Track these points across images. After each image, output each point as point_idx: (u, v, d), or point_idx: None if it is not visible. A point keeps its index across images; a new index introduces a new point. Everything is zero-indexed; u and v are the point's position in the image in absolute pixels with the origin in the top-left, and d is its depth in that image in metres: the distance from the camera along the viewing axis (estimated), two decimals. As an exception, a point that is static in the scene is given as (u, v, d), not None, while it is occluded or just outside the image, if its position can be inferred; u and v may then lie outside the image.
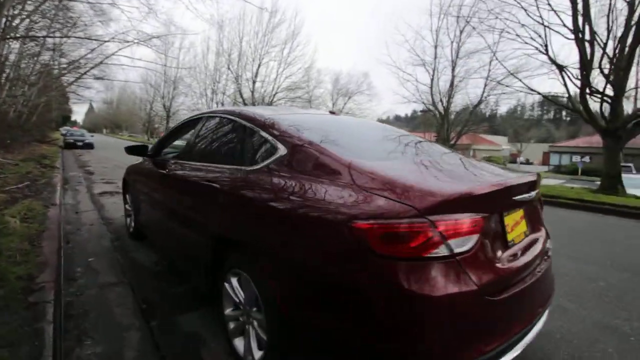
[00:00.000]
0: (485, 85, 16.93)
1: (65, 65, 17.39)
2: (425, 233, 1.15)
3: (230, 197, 1.77)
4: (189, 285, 2.66)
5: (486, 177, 1.58)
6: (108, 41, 14.91)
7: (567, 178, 22.71)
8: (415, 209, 1.16)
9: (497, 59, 10.67)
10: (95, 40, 13.17)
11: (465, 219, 1.22)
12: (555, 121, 74.30)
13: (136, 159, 3.58)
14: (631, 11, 8.16)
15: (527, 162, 41.61)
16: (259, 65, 25.25)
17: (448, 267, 1.17)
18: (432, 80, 17.60)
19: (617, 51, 8.23)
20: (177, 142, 3.33)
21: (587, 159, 29.51)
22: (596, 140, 26.03)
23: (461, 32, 16.97)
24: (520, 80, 9.94)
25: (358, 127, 2.24)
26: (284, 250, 1.44)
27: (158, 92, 38.46)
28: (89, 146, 21.24)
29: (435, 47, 17.37)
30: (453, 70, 17.36)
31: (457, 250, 1.19)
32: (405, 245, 1.15)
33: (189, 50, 28.10)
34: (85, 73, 19.86)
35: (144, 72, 31.63)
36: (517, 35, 9.35)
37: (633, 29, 7.58)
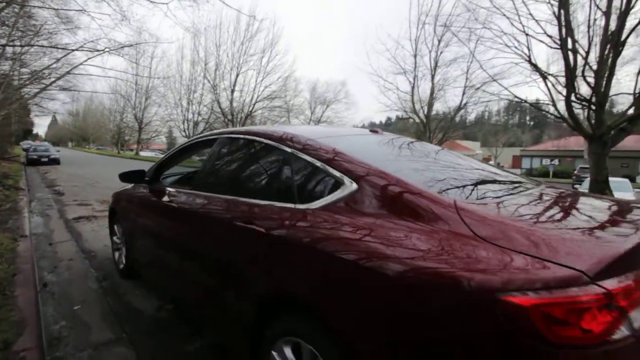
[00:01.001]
0: (464, 93, 17.33)
1: (27, 76, 16.22)
2: (607, 306, 0.84)
3: (285, 245, 1.39)
4: (207, 339, 2.23)
5: (614, 215, 1.31)
6: (75, 50, 14.00)
7: (542, 180, 23.57)
8: (585, 274, 0.85)
9: (481, 66, 10.83)
10: (62, 49, 12.28)
11: (635, 280, 0.93)
12: (521, 126, 77.93)
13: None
14: (607, 21, 8.48)
15: (499, 166, 43.12)
16: (237, 75, 24.72)
17: (633, 352, 0.87)
18: (412, 88, 17.80)
19: (597, 60, 8.51)
20: (172, 167, 2.92)
21: (556, 161, 30.95)
22: (563, 144, 27.39)
23: (439, 41, 17.34)
24: (506, 88, 10.14)
25: (420, 151, 1.90)
26: (369, 317, 1.09)
27: (129, 102, 36.88)
28: (55, 162, 19.78)
29: (415, 56, 17.63)
30: (432, 78, 17.65)
31: (637, 325, 0.89)
32: (584, 327, 0.83)
33: (161, 59, 27.12)
34: (50, 84, 18.64)
35: (114, 82, 30.25)
36: (506, 45, 9.52)
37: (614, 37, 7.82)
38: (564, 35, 8.08)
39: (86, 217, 5.82)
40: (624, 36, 7.57)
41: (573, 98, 8.28)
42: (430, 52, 17.62)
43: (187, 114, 29.07)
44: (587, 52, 8.36)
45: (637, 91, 8.22)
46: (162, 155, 2.82)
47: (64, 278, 3.20)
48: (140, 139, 40.55)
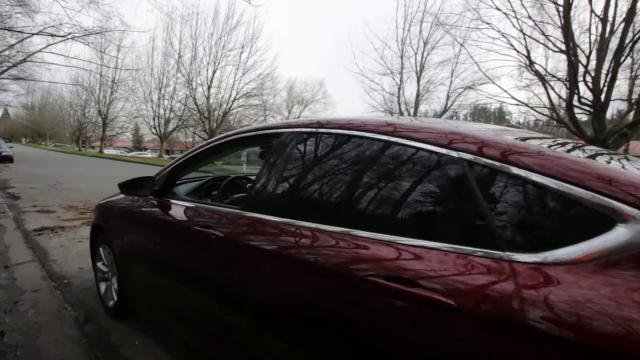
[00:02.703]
0: (448, 97, 17.36)
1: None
2: None
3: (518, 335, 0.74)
4: None
5: None
6: (34, 34, 12.48)
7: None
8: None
9: (480, 68, 10.64)
10: (18, 32, 10.78)
11: None
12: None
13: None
14: (604, 27, 8.50)
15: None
16: (215, 70, 23.48)
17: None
18: (399, 89, 17.58)
19: (595, 66, 8.50)
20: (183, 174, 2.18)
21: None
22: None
23: (425, 43, 17.23)
24: (505, 91, 10.00)
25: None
26: None
27: (92, 95, 34.18)
28: (8, 159, 17.69)
29: (402, 57, 17.42)
30: (418, 81, 17.53)
31: None
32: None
33: (130, 50, 25.21)
34: (1, 73, 16.75)
35: (75, 73, 27.84)
36: (512, 47, 9.33)
37: (616, 43, 7.80)
38: (568, 40, 7.97)
39: (50, 228, 4.81)
40: (627, 41, 7.54)
41: (575, 102, 8.23)
42: (415, 54, 17.50)
43: (159, 109, 27.33)
44: (588, 58, 8.32)
45: (633, 97, 8.28)
46: (177, 158, 2.06)
47: (30, 321, 2.35)
48: (104, 136, 37.80)
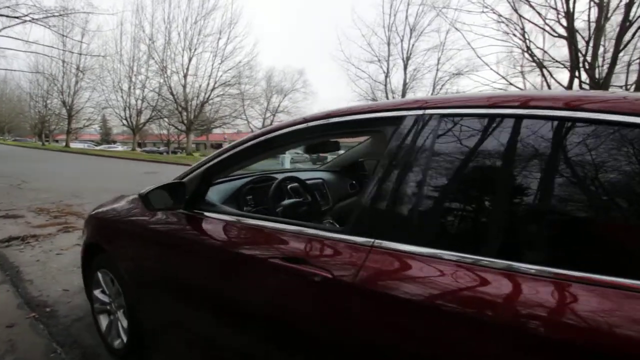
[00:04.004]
0: (435, 84, 17.22)
1: None
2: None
3: None
4: None
5: None
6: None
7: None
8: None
9: (477, 55, 10.40)
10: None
11: None
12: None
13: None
14: (600, 13, 8.42)
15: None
16: (191, 57, 22.17)
17: None
18: (386, 77, 17.25)
19: (592, 51, 8.44)
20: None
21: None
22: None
23: (412, 30, 16.91)
24: (503, 77, 9.81)
25: None
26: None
27: (55, 85, 31.58)
28: (-40, 155, 15.96)
29: (388, 44, 17.04)
30: (405, 68, 17.24)
31: None
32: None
33: (96, 35, 23.20)
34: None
35: (35, 60, 25.54)
36: (505, 33, 9.10)
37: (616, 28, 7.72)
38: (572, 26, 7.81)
39: (20, 237, 4.06)
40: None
41: (576, 88, 8.16)
42: (401, 40, 17.16)
43: (129, 99, 25.66)
44: (587, 43, 8.23)
45: (628, 83, 8.30)
46: (211, 155, 1.51)
47: (6, 375, 1.77)
48: (69, 129, 35.23)
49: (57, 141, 47.42)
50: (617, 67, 7.91)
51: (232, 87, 24.60)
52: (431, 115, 0.98)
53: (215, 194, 1.70)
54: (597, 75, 8.20)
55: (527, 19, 8.68)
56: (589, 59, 8.37)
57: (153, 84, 24.13)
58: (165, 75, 22.32)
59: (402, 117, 1.03)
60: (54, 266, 3.20)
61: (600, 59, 8.19)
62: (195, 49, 22.08)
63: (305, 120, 1.28)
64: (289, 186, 2.02)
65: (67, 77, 30.55)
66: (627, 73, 8.33)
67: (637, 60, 7.81)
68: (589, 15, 8.10)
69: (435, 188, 0.93)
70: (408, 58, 16.91)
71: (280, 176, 2.11)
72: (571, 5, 7.94)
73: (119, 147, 40.81)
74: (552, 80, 8.87)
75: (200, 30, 21.87)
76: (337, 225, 2.17)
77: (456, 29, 11.46)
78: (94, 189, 7.78)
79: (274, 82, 35.81)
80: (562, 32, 8.40)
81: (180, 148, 42.31)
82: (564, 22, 8.05)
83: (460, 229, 0.88)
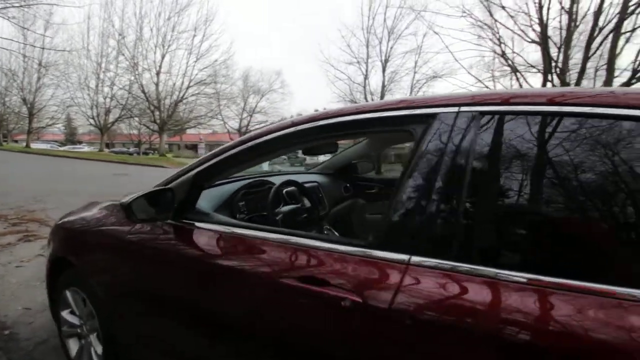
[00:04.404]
0: (412, 87, 17.51)
1: None
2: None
3: None
4: None
5: None
6: None
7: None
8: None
9: (455, 59, 10.62)
10: None
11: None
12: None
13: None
14: (570, 20, 8.80)
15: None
16: (165, 54, 21.36)
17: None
18: (365, 79, 17.36)
19: (563, 57, 8.80)
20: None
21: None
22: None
23: (390, 33, 17.11)
24: (480, 80, 10.06)
25: None
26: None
27: (14, 81, 29.46)
28: None
29: (367, 46, 17.16)
30: (384, 70, 17.43)
31: None
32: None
33: (60, 28, 21.80)
34: None
35: (-10, 55, 23.70)
36: (479, 36, 9.32)
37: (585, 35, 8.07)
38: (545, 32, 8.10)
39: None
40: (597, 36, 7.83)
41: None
42: (380, 43, 17.33)
43: (97, 97, 24.37)
44: (559, 49, 8.57)
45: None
46: (203, 158, 1.32)
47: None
48: (30, 128, 32.98)
49: (16, 141, 44.26)
50: (586, 72, 8.34)
51: (207, 86, 23.96)
52: (480, 112, 0.85)
53: (205, 200, 1.51)
54: (567, 80, 8.56)
55: (502, 24, 8.98)
56: (560, 64, 8.72)
57: (123, 81, 23.06)
58: (136, 73, 21.39)
59: (437, 115, 0.91)
60: (13, 281, 2.86)
61: (570, 64, 8.54)
62: (169, 46, 21.33)
63: (313, 119, 1.12)
64: (284, 190, 1.86)
65: (28, 72, 28.53)
66: (595, 78, 8.77)
67: (604, 66, 8.24)
68: (560, 22, 8.48)
69: (484, 194, 0.81)
70: (387, 60, 17.12)
71: (275, 180, 1.94)
72: (544, 13, 8.28)
73: (85, 148, 38.72)
74: (525, 84, 9.19)
75: (174, 27, 21.14)
76: (336, 233, 2.03)
77: (435, 32, 11.68)
78: (58, 192, 7.22)
79: (251, 82, 35.18)
80: (535, 37, 8.73)
81: (152, 149, 40.74)
82: (537, 27, 8.40)
83: (525, 244, 0.76)
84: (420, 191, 0.85)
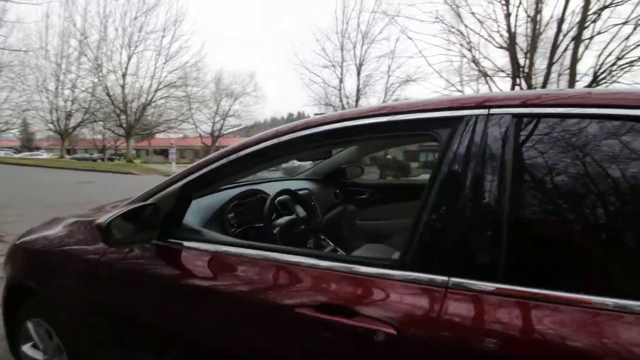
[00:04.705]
0: (386, 91, 17.81)
1: None
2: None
3: None
4: None
5: None
6: None
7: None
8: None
9: (428, 63, 10.85)
10: None
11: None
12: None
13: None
14: (534, 28, 9.26)
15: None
16: (131, 55, 20.45)
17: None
18: (340, 82, 17.45)
19: (529, 62, 9.23)
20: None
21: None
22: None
23: (363, 37, 17.32)
24: (453, 85, 10.34)
25: None
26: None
27: (-39, 83, 27.11)
28: None
29: (342, 49, 17.28)
30: (359, 74, 17.61)
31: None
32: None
33: (15, 27, 20.25)
34: None
35: None
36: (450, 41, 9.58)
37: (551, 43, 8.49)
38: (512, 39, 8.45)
39: None
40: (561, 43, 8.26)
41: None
42: (354, 47, 17.51)
43: (57, 100, 22.92)
44: (526, 55, 8.96)
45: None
46: (193, 166, 1.16)
47: None
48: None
49: (-37, 149, 40.79)
50: (551, 76, 8.80)
51: (178, 89, 23.16)
52: (526, 114, 0.76)
53: (192, 215, 1.34)
54: (534, 84, 8.98)
55: (472, 30, 9.30)
56: (526, 69, 9.14)
57: (86, 83, 21.80)
58: (101, 74, 20.29)
59: (463, 118, 0.82)
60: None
61: (536, 69, 8.98)
62: (136, 47, 20.43)
63: (319, 124, 1.00)
64: (276, 200, 1.72)
65: (-24, 74, 26.39)
66: (558, 82, 9.26)
67: (567, 71, 8.73)
68: (526, 29, 8.90)
69: (530, 205, 0.72)
70: (361, 64, 17.31)
71: (264, 187, 1.80)
72: (512, 20, 8.66)
73: (44, 155, 36.27)
74: (495, 88, 9.58)
75: (142, 27, 20.30)
76: (331, 243, 1.91)
77: (408, 37, 11.91)
78: (15, 203, 6.62)
79: (223, 84, 34.44)
80: (503, 43, 9.10)
81: (118, 155, 38.86)
82: (505, 34, 8.77)
83: (587, 259, 0.68)
84: (455, 202, 0.75)
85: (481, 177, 0.74)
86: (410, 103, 0.94)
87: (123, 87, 20.56)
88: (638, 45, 8.10)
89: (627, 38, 8.23)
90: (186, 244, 1.09)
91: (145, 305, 1.10)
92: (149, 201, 1.12)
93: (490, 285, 0.68)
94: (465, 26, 9.62)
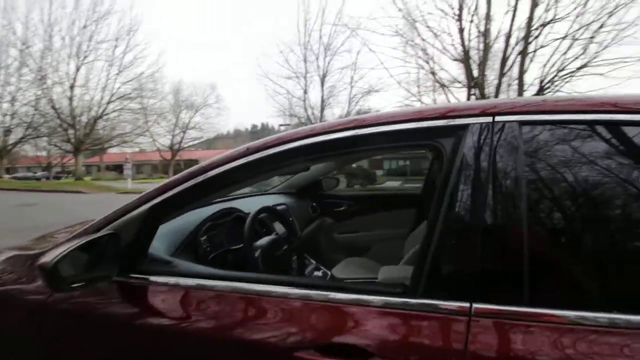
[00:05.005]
0: (350, 101, 18.17)
1: None
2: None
3: None
4: None
5: None
6: None
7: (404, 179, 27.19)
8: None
9: (391, 75, 11.17)
10: None
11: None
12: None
13: None
14: (485, 42, 9.91)
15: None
16: (79, 65, 19.15)
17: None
18: (305, 93, 17.52)
19: (480, 76, 9.83)
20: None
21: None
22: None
23: (326, 49, 17.59)
24: (414, 95, 10.71)
25: None
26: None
27: None
28: None
29: (305, 61, 17.40)
30: (322, 85, 17.80)
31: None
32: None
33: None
34: None
35: None
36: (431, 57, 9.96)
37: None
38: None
39: None
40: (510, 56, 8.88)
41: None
42: (317, 59, 17.71)
43: (-5, 115, 20.87)
44: (479, 67, 9.54)
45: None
46: (162, 185, 1.00)
47: None
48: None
49: None
50: (502, 87, 9.48)
51: (132, 101, 21.99)
52: (541, 121, 0.71)
53: (159, 242, 1.17)
54: (487, 94, 9.57)
55: (429, 43, 9.79)
56: (480, 80, 9.72)
57: (28, 96, 20.05)
58: (45, 86, 18.76)
59: (467, 126, 0.76)
60: None
61: (488, 79, 9.58)
62: (85, 57, 19.15)
63: (316, 133, 0.90)
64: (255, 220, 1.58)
65: None
66: (508, 91, 9.97)
67: (516, 81, 9.44)
68: (478, 43, 9.51)
69: (553, 215, 0.67)
70: (324, 75, 17.50)
71: (239, 204, 1.65)
72: (465, 35, 9.23)
73: (-22, 174, 32.64)
74: (453, 99, 10.09)
75: (92, 36, 19.12)
76: (313, 261, 1.78)
77: (370, 49, 12.24)
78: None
79: (183, 96, 33.28)
80: (458, 56, 9.65)
81: (65, 172, 35.98)
82: (459, 47, 9.33)
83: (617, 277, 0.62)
84: (469, 219, 0.68)
85: (497, 189, 0.68)
86: (410, 111, 0.87)
87: (71, 99, 19.15)
88: (576, 58, 9.03)
89: (565, 53, 9.16)
90: (153, 278, 0.92)
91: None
92: (106, 230, 0.95)
93: (519, 310, 0.60)
94: (423, 39, 10.11)
